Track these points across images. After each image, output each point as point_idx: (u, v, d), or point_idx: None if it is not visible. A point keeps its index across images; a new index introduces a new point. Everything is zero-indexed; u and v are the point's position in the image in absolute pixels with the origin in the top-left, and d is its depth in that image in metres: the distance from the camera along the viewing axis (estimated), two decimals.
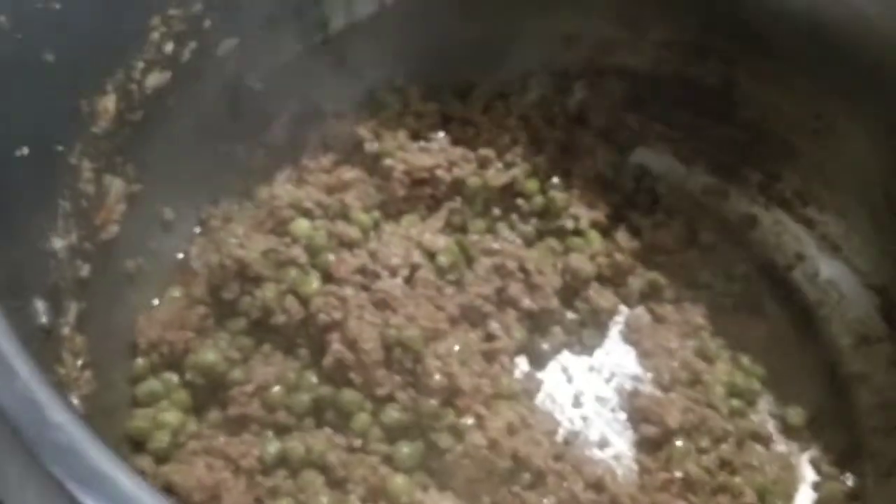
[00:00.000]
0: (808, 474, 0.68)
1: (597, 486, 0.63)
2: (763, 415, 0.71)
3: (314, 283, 0.66)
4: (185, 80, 0.64)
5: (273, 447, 0.60)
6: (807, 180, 0.78)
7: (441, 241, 0.72)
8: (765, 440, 0.69)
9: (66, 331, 0.50)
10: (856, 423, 0.70)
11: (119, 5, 0.55)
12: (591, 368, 0.73)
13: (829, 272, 0.77)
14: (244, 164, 0.75)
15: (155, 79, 0.61)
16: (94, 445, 0.34)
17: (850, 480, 0.66)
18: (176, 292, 0.68)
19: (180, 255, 0.71)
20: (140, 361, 0.63)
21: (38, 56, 0.50)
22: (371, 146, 0.75)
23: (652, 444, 0.67)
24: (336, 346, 0.62)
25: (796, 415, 0.70)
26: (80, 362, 0.51)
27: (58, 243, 0.51)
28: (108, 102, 0.56)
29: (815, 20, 0.70)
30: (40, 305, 0.46)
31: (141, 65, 0.59)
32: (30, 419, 0.35)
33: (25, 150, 0.48)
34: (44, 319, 0.46)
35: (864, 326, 0.73)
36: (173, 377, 0.64)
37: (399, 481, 0.59)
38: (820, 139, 0.75)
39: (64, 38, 0.50)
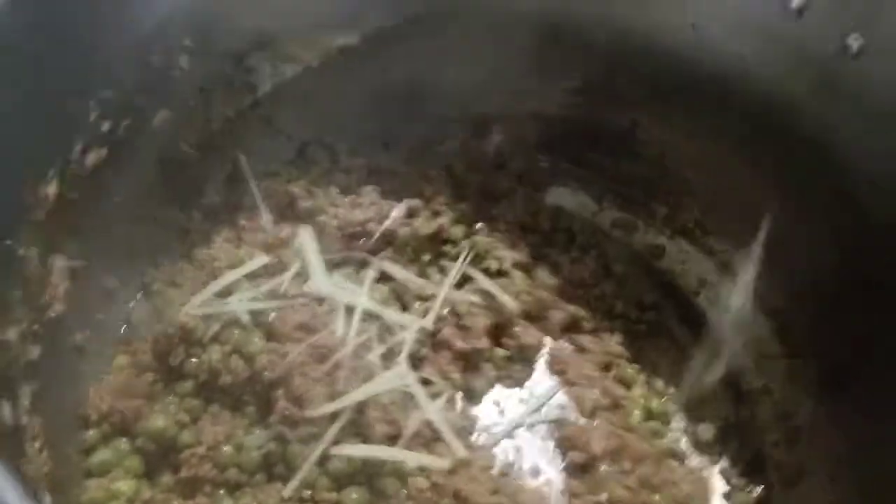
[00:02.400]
0: (720, 486, 0.75)
1: None
2: (677, 433, 0.78)
3: (257, 341, 0.69)
4: (120, 154, 0.67)
5: None
6: (705, 212, 0.86)
7: (377, 291, 0.76)
8: (679, 457, 0.76)
9: (24, 419, 0.52)
10: (760, 435, 0.77)
11: (57, 95, 0.57)
12: (522, 400, 0.79)
13: (729, 296, 0.84)
14: (182, 227, 0.78)
15: (92, 157, 0.63)
16: None
17: (757, 490, 0.74)
18: (123, 360, 0.70)
19: (125, 323, 0.73)
20: (92, 433, 0.65)
21: None
22: (305, 203, 0.79)
23: (579, 470, 0.73)
24: (282, 402, 0.66)
25: (706, 431, 0.78)
26: (37, 444, 0.53)
27: (12, 333, 0.53)
28: (50, 188, 0.58)
29: (702, 69, 0.76)
30: (4, 405, 0.48)
31: (79, 147, 0.61)
32: None
33: None
34: (7, 419, 0.48)
35: (762, 345, 0.81)
36: (125, 444, 0.66)
37: None
38: (714, 175, 0.83)
39: (7, 137, 0.52)
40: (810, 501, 0.69)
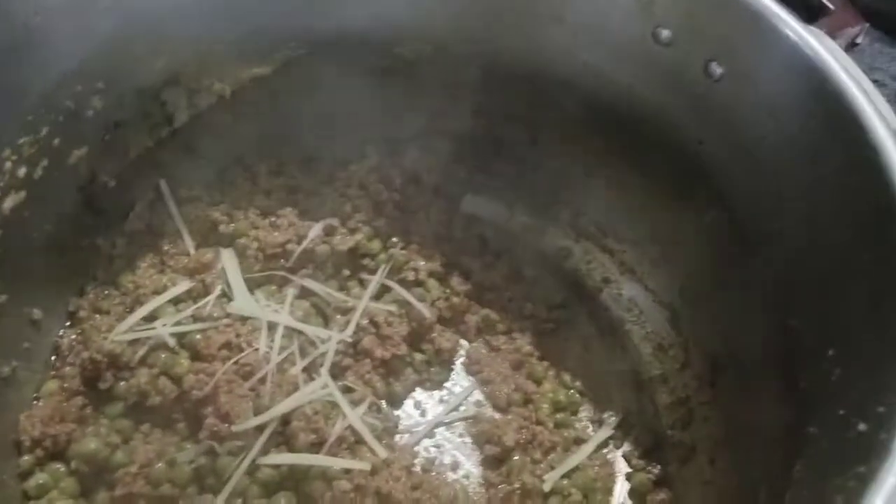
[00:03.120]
0: (623, 467, 0.82)
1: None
2: (584, 422, 0.85)
3: (184, 363, 0.73)
4: (39, 193, 0.70)
5: None
6: (605, 216, 0.93)
7: (298, 308, 0.81)
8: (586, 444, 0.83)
9: None
10: (658, 420, 0.85)
11: None
12: (441, 401, 0.84)
13: (629, 292, 0.92)
14: (107, 254, 0.81)
15: (11, 201, 0.66)
16: None
17: (655, 470, 0.81)
18: (53, 386, 0.73)
19: (53, 350, 0.76)
20: (26, 458, 0.68)
21: None
22: (226, 228, 0.83)
23: (494, 462, 0.79)
24: (210, 419, 0.70)
25: (610, 418, 0.85)
26: None
27: None
28: None
29: (594, 94, 0.83)
30: None
31: None
32: None
33: None
34: None
35: (658, 336, 0.88)
36: (60, 467, 0.69)
37: None
38: (609, 183, 0.90)
39: None
40: (695, 480, 0.76)
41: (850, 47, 1.20)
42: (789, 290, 0.68)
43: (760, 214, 0.72)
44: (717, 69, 0.70)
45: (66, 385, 0.73)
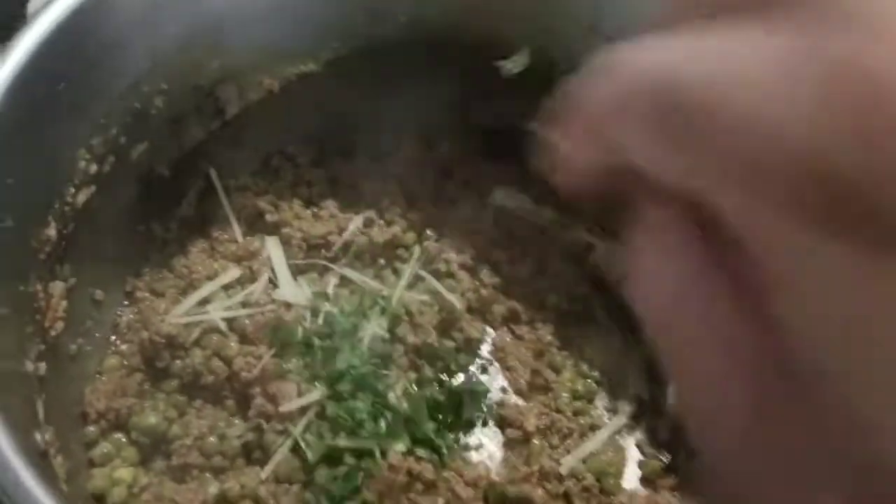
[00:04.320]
0: (635, 454, 0.88)
1: (475, 483, 0.81)
2: (600, 409, 0.91)
3: (234, 345, 0.80)
4: (105, 186, 0.75)
5: (213, 488, 0.74)
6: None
7: (341, 293, 0.87)
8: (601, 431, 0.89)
9: (46, 436, 0.62)
10: (669, 411, 0.90)
11: (53, 151, 0.65)
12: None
13: None
14: (161, 238, 0.87)
15: (83, 195, 0.71)
16: None
17: (666, 458, 0.87)
18: (114, 362, 0.79)
19: (113, 328, 0.82)
20: (91, 428, 0.75)
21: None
22: (271, 217, 0.88)
23: (515, 445, 0.85)
24: (258, 400, 0.77)
25: (625, 407, 0.91)
26: (53, 450, 0.63)
27: (29, 364, 0.63)
28: (51, 231, 0.67)
29: None
30: (37, 436, 0.58)
31: (72, 190, 0.70)
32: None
33: None
34: (41, 446, 0.58)
35: None
36: (121, 437, 0.76)
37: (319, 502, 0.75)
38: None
39: (19, 204, 0.60)
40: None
41: None
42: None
43: None
44: None
45: (125, 362, 0.79)
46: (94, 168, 0.71)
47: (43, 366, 0.67)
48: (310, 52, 0.86)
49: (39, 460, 0.57)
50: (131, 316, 0.83)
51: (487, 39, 0.89)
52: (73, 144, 0.68)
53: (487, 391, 0.87)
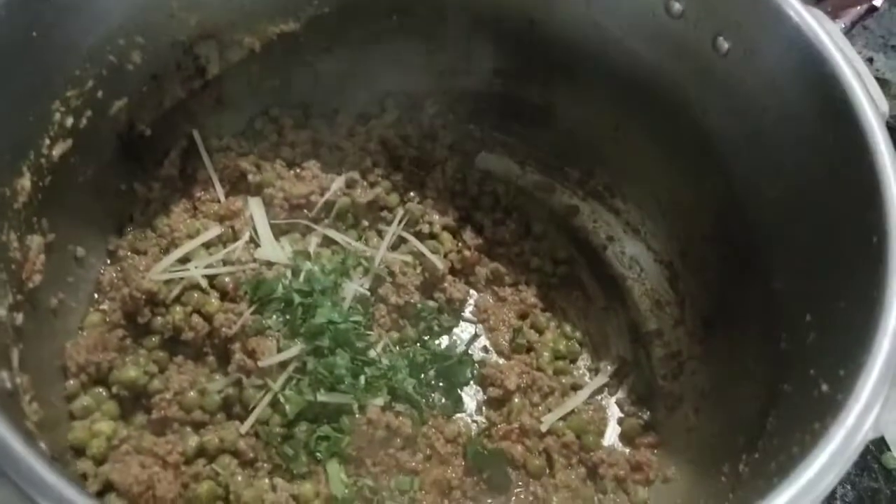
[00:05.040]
0: (615, 412, 0.89)
1: (454, 439, 0.81)
2: (582, 370, 0.91)
3: (214, 302, 0.80)
4: (83, 141, 0.75)
5: (193, 441, 0.74)
6: (613, 177, 0.97)
7: (320, 255, 0.87)
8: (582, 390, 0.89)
9: (18, 380, 0.62)
10: (650, 370, 0.91)
11: (26, 102, 0.65)
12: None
13: (632, 251, 0.97)
14: (143, 197, 0.87)
15: (59, 148, 0.71)
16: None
17: (645, 416, 0.87)
18: (95, 318, 0.80)
19: (95, 285, 0.82)
20: (72, 382, 0.75)
21: None
22: (253, 177, 0.88)
23: (496, 403, 0.86)
24: (238, 355, 0.77)
25: (606, 367, 0.91)
26: (27, 397, 0.64)
27: (2, 311, 0.63)
28: (25, 181, 0.67)
29: (605, 58, 0.86)
30: (4, 374, 0.58)
31: (47, 142, 0.70)
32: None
33: None
34: (7, 385, 0.58)
35: (657, 293, 0.94)
36: (102, 392, 0.76)
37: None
38: (619, 145, 0.94)
39: None
40: (680, 426, 0.83)
41: (869, 13, 1.22)
42: (777, 255, 0.73)
43: (758, 183, 0.76)
44: (724, 44, 0.74)
45: (107, 318, 0.80)
46: (69, 121, 0.71)
47: (20, 316, 0.68)
48: (290, 11, 0.86)
49: (7, 399, 0.57)
50: (114, 274, 0.83)
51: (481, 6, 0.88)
52: (47, 96, 0.68)
53: (474, 363, 0.87)
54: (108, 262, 0.84)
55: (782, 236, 0.72)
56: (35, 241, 0.71)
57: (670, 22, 0.77)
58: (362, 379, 0.79)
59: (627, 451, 0.85)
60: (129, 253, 0.84)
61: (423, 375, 0.84)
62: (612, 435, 0.87)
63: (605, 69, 0.87)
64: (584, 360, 0.92)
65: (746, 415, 0.71)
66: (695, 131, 0.82)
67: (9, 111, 0.63)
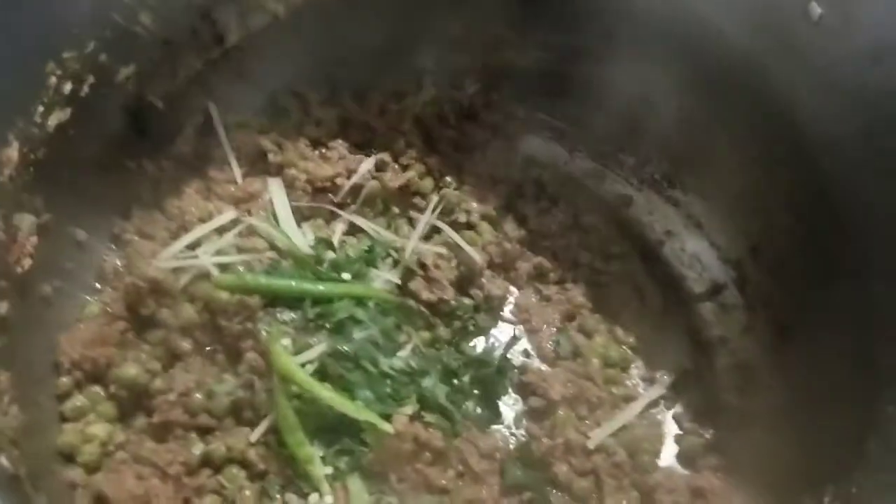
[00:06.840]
0: (672, 429, 0.79)
1: (490, 455, 0.72)
2: (635, 379, 0.81)
3: (225, 294, 0.72)
4: (85, 111, 0.68)
5: (197, 449, 0.66)
6: (673, 165, 0.87)
7: (349, 241, 0.79)
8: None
9: None
10: (714, 382, 0.81)
11: (12, 60, 0.58)
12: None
13: (693, 247, 0.87)
14: (153, 177, 0.79)
15: (56, 118, 0.64)
16: None
17: (707, 434, 0.77)
18: (95, 309, 0.72)
19: (97, 273, 0.75)
20: (64, 380, 0.68)
21: None
22: (274, 157, 0.80)
23: (538, 415, 0.76)
24: (250, 354, 0.69)
25: (664, 378, 0.81)
26: (6, 399, 0.56)
27: None
28: (11, 151, 0.59)
29: (674, 28, 0.76)
30: None
31: (41, 109, 0.62)
32: None
33: None
34: None
35: (722, 296, 0.84)
36: (98, 391, 0.69)
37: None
38: (682, 129, 0.84)
39: None
40: (751, 448, 0.73)
41: None
42: (875, 254, 0.63)
43: (852, 176, 0.66)
44: (816, 10, 0.64)
45: (108, 309, 0.72)
46: (67, 87, 0.64)
47: (5, 304, 0.60)
48: None
49: None
50: (118, 261, 0.76)
51: None
52: (39, 55, 0.60)
53: (513, 367, 0.78)
54: (113, 247, 0.77)
55: (883, 234, 0.62)
56: (25, 220, 0.64)
57: None
58: (388, 385, 0.70)
59: (687, 473, 0.75)
60: (135, 237, 0.77)
61: (456, 382, 0.76)
62: (668, 455, 0.77)
63: (672, 42, 0.77)
64: (637, 369, 0.82)
65: (836, 439, 0.61)
66: (776, 111, 0.72)
67: None
